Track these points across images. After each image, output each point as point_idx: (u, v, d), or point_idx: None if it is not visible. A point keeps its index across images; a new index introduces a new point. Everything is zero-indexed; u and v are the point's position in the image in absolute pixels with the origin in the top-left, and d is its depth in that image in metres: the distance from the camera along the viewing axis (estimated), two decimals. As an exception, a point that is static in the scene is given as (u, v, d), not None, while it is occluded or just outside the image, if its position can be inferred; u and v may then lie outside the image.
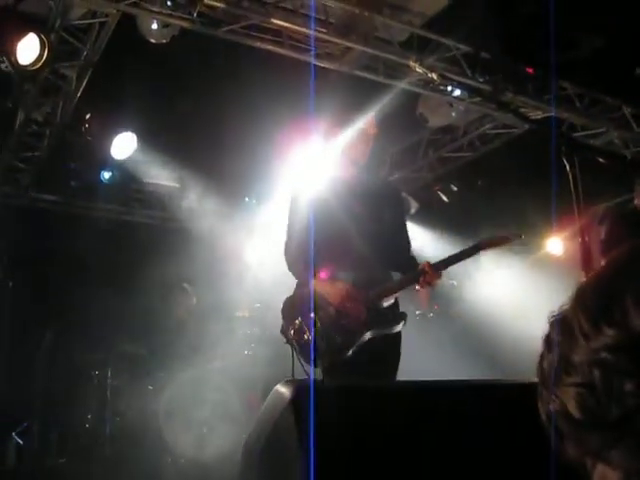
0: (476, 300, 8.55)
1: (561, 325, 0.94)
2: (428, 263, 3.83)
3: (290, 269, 4.12)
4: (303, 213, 4.07)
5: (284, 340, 3.95)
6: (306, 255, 3.99)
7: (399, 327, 3.95)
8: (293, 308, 3.99)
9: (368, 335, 3.80)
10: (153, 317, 7.78)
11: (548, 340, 0.97)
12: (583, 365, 0.88)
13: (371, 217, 4.03)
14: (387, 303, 3.93)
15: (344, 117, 4.06)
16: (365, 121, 4.01)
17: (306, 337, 3.80)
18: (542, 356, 0.97)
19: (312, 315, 3.83)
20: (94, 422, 7.04)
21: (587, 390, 0.87)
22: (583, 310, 0.91)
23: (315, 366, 3.77)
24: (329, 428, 1.36)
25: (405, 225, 4.40)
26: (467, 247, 3.94)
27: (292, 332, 3.86)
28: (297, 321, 3.86)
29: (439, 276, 3.82)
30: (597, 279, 0.95)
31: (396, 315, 3.99)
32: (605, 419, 0.85)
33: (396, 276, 4.07)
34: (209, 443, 6.49)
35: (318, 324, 3.79)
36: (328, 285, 3.89)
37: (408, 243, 4.28)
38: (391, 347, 3.97)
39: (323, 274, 3.92)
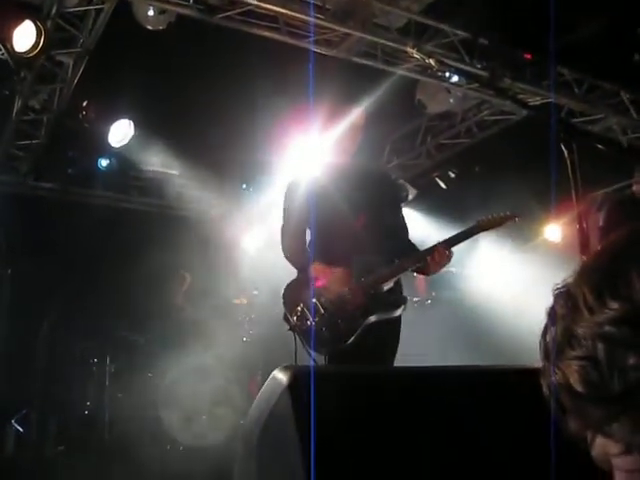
0: (474, 287, 8.56)
1: (565, 298, 0.94)
2: (440, 242, 3.87)
3: (287, 256, 4.13)
4: (300, 200, 4.08)
5: (287, 327, 3.96)
6: (304, 242, 4.02)
7: (399, 311, 3.96)
8: (294, 294, 3.99)
9: (370, 320, 3.81)
10: (151, 304, 7.79)
11: (552, 313, 0.96)
12: (587, 338, 0.88)
13: (368, 203, 4.03)
14: (387, 287, 3.92)
15: (339, 105, 4.09)
16: (353, 113, 4.04)
17: (308, 323, 3.81)
18: (545, 329, 0.97)
19: (313, 301, 3.84)
20: (93, 409, 7.08)
21: (590, 364, 0.87)
22: (588, 283, 0.91)
23: (318, 352, 3.80)
24: (327, 414, 1.36)
25: (401, 211, 4.42)
26: (465, 228, 3.98)
27: (294, 319, 3.87)
28: (299, 307, 3.86)
29: (450, 254, 3.85)
30: (602, 253, 0.95)
31: (396, 299, 3.99)
32: (607, 393, 0.85)
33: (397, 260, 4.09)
34: (208, 430, 6.51)
35: (321, 310, 3.81)
36: (327, 271, 3.89)
37: (405, 228, 4.29)
38: (391, 331, 3.98)
39: (322, 260, 3.92)
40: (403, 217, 4.35)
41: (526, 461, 1.59)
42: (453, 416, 1.60)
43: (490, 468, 1.61)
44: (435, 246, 3.84)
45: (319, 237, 3.94)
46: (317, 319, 3.80)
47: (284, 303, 4.03)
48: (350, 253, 3.92)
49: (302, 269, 4.01)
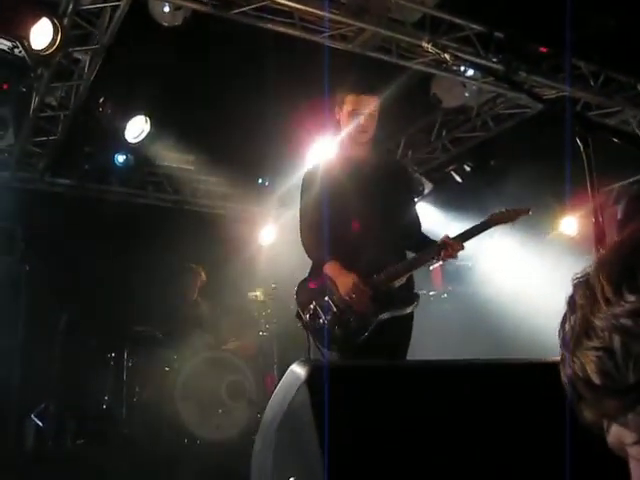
0: (490, 281, 8.55)
1: (584, 288, 0.95)
2: (447, 236, 3.87)
3: (305, 248, 4.10)
4: (316, 192, 4.06)
5: (299, 324, 3.97)
6: (319, 237, 3.97)
7: (410, 308, 3.94)
8: (307, 292, 3.98)
9: (381, 317, 3.79)
10: (168, 299, 7.84)
11: (571, 302, 0.98)
12: (604, 330, 0.89)
13: (382, 196, 4.01)
14: (399, 283, 3.89)
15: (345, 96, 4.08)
16: (357, 102, 4.00)
17: (321, 321, 3.80)
18: (564, 318, 0.98)
19: (326, 299, 3.83)
20: (111, 404, 7.13)
21: (606, 354, 0.88)
22: (606, 275, 0.92)
23: (330, 350, 3.78)
24: (344, 408, 1.38)
25: (414, 203, 4.44)
26: (479, 222, 3.98)
27: (307, 316, 3.86)
28: (311, 305, 3.86)
29: (462, 247, 3.84)
30: (621, 246, 0.96)
31: (408, 296, 3.96)
32: (623, 383, 0.87)
33: (410, 255, 4.08)
34: (225, 424, 6.54)
35: (333, 308, 3.80)
36: (341, 270, 3.84)
37: (418, 222, 4.27)
38: (402, 329, 3.96)
39: (336, 256, 3.88)
40: (416, 211, 4.35)
41: (544, 453, 1.60)
42: (470, 409, 1.60)
43: (507, 461, 1.62)
44: (447, 241, 3.83)
45: (333, 232, 3.88)
46: (329, 317, 3.79)
47: (297, 300, 4.03)
48: (363, 248, 3.91)
49: (317, 263, 3.98)
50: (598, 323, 0.90)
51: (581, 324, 0.93)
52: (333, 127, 4.25)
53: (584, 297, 0.94)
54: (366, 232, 3.93)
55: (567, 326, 0.97)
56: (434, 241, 3.99)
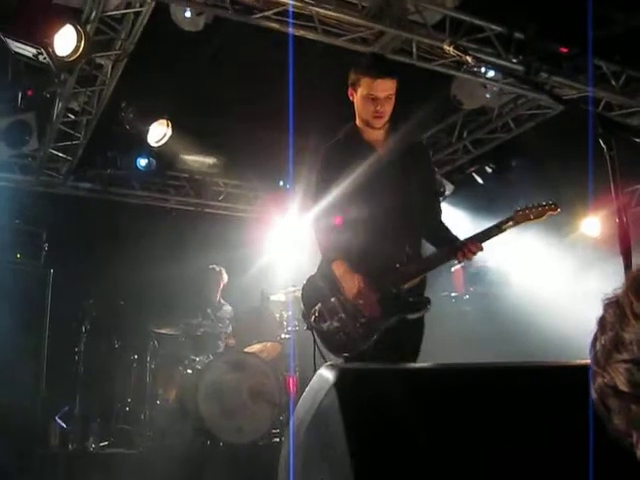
0: (512, 282, 8.52)
1: (614, 307, 0.98)
2: (471, 237, 3.71)
3: (317, 240, 3.85)
4: (332, 181, 3.77)
5: (304, 326, 3.84)
6: (332, 229, 3.76)
7: (420, 314, 3.75)
8: (313, 291, 3.83)
9: (389, 323, 3.62)
10: (189, 301, 7.88)
11: (602, 322, 1.00)
12: (632, 343, 0.91)
13: (400, 184, 3.80)
14: (411, 285, 3.71)
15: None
16: (374, 87, 3.71)
17: (327, 325, 3.67)
18: (595, 337, 1.01)
19: (333, 300, 3.69)
20: (134, 406, 7.17)
21: (636, 366, 0.90)
22: (635, 292, 0.94)
23: (335, 356, 3.67)
24: (372, 411, 1.39)
25: (433, 188, 4.21)
26: (502, 219, 3.77)
27: (312, 319, 3.73)
28: (317, 307, 3.73)
29: (480, 248, 3.67)
30: None
31: (418, 301, 3.76)
32: None
33: (426, 251, 3.93)
34: (247, 426, 6.56)
35: (340, 313, 3.65)
36: (343, 275, 3.65)
37: (438, 207, 4.10)
38: (411, 334, 3.78)
39: (350, 248, 3.70)
40: (436, 197, 4.19)
41: (568, 456, 1.60)
42: (496, 412, 1.61)
43: (532, 464, 1.62)
44: (465, 243, 3.68)
45: (350, 224, 3.72)
46: (335, 322, 3.65)
47: (303, 300, 3.89)
48: (379, 241, 3.70)
49: (326, 258, 3.78)
50: (627, 337, 0.92)
51: (611, 340, 0.95)
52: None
53: (614, 315, 0.96)
54: (382, 222, 3.71)
55: (598, 345, 0.99)
56: (453, 237, 3.84)
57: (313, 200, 3.84)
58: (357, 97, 3.80)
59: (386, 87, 3.73)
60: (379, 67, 3.80)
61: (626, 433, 0.96)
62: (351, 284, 3.59)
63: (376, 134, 3.88)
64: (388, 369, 1.79)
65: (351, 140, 3.91)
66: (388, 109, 3.78)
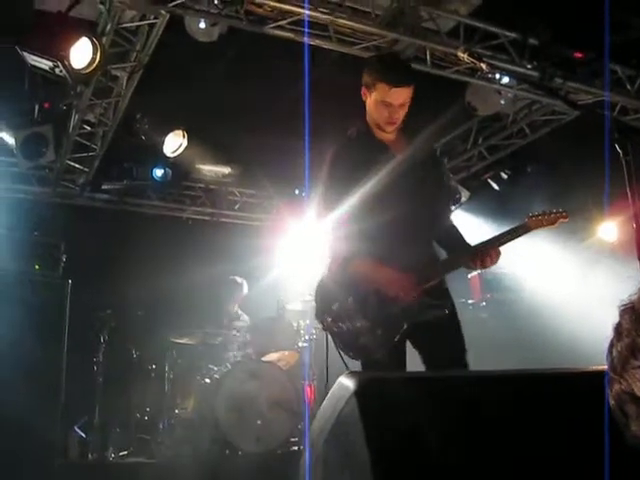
0: (530, 288, 8.48)
1: (630, 313, 0.98)
2: (486, 243, 3.65)
3: (329, 241, 3.71)
4: (342, 180, 3.61)
5: (320, 326, 3.72)
6: (346, 225, 3.59)
7: (439, 314, 3.61)
8: (330, 290, 3.67)
9: (408, 325, 3.52)
10: (207, 311, 7.91)
11: (618, 329, 1.00)
12: None
13: (418, 188, 3.67)
14: (427, 287, 3.58)
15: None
16: (389, 94, 3.59)
17: (345, 327, 3.55)
18: (612, 344, 1.01)
19: (350, 301, 3.56)
20: (153, 415, 7.20)
21: None
22: None
23: (352, 359, 3.56)
24: (393, 419, 1.39)
25: (445, 191, 4.07)
26: (515, 226, 3.71)
27: (329, 319, 3.61)
28: (334, 307, 3.60)
29: (499, 254, 3.60)
30: None
31: (439, 304, 3.64)
32: None
33: (440, 254, 3.85)
34: (266, 435, 6.56)
35: (360, 316, 3.52)
36: (371, 268, 3.55)
37: (449, 210, 4.07)
38: (441, 338, 3.62)
39: (365, 252, 3.57)
40: (446, 198, 4.10)
41: (584, 462, 1.60)
42: (516, 419, 1.61)
43: (550, 469, 1.62)
44: (486, 248, 3.61)
45: (363, 225, 3.57)
46: (357, 325, 3.52)
47: (316, 298, 3.76)
48: (394, 244, 3.57)
49: (344, 258, 3.63)
50: None
51: (628, 346, 0.95)
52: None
53: (630, 321, 0.96)
54: (400, 227, 3.56)
55: (614, 351, 0.99)
56: (466, 242, 3.80)
57: (323, 201, 3.71)
58: (370, 100, 3.70)
59: (402, 95, 3.62)
60: (397, 74, 3.66)
61: None
62: (387, 274, 3.51)
63: (388, 135, 3.77)
64: (408, 377, 1.79)
65: (364, 138, 3.80)
66: (401, 116, 3.69)
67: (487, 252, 3.61)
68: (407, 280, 3.51)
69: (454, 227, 3.97)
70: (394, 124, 3.69)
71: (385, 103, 3.62)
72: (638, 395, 0.92)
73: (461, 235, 3.92)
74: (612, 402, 1.00)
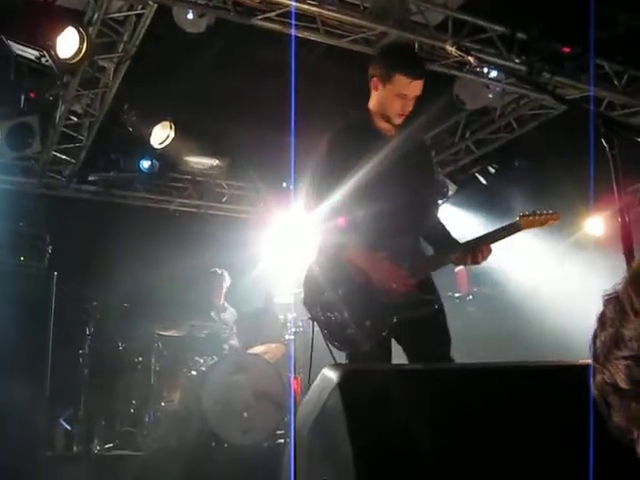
0: (516, 282, 8.52)
1: (614, 303, 0.98)
2: (477, 240, 3.66)
3: (320, 231, 3.67)
4: (338, 170, 3.57)
5: (307, 315, 3.66)
6: (336, 215, 3.54)
7: (428, 310, 3.60)
8: (319, 279, 3.61)
9: (397, 320, 3.49)
10: (193, 303, 7.89)
11: (602, 318, 1.00)
12: (632, 339, 0.91)
13: (411, 179, 3.67)
14: (417, 281, 3.56)
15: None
16: (408, 87, 3.57)
17: (333, 317, 3.50)
18: (595, 334, 1.01)
19: (340, 293, 3.52)
20: (139, 407, 7.19)
21: (635, 363, 0.90)
22: (635, 290, 0.95)
23: (339, 350, 3.52)
24: (376, 411, 1.39)
25: (434, 184, 4.09)
26: (505, 225, 3.72)
27: (318, 308, 3.56)
28: (323, 296, 3.55)
29: (490, 250, 3.63)
30: None
31: (428, 297, 3.64)
32: None
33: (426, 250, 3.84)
34: (252, 427, 6.56)
35: (349, 306, 3.48)
36: (366, 258, 3.50)
37: (437, 203, 4.11)
38: (428, 335, 3.60)
39: (357, 240, 3.53)
40: (435, 192, 4.14)
41: (568, 455, 1.60)
42: (500, 412, 1.61)
43: (535, 462, 1.62)
44: (477, 244, 3.63)
45: (355, 214, 3.54)
46: (345, 316, 3.47)
47: (305, 286, 3.69)
48: (387, 236, 3.57)
49: (335, 247, 3.59)
50: (627, 333, 0.92)
51: (611, 337, 0.95)
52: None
53: (614, 311, 0.96)
54: (393, 218, 3.56)
55: (598, 341, 0.99)
56: (453, 239, 3.81)
57: (315, 190, 3.65)
58: (384, 91, 3.64)
59: (418, 88, 3.62)
60: (417, 67, 3.67)
61: (627, 430, 0.96)
62: (381, 265, 3.48)
63: (387, 125, 3.74)
64: (392, 369, 1.79)
65: (363, 125, 3.77)
66: (411, 108, 3.68)
67: (478, 248, 3.63)
68: (401, 272, 3.50)
69: (441, 223, 3.96)
70: (404, 116, 3.67)
71: (401, 95, 3.60)
72: (621, 386, 0.92)
73: (448, 232, 3.92)
74: (595, 392, 1.00)
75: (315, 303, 3.61)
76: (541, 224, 3.76)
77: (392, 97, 3.62)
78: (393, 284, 3.47)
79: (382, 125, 3.74)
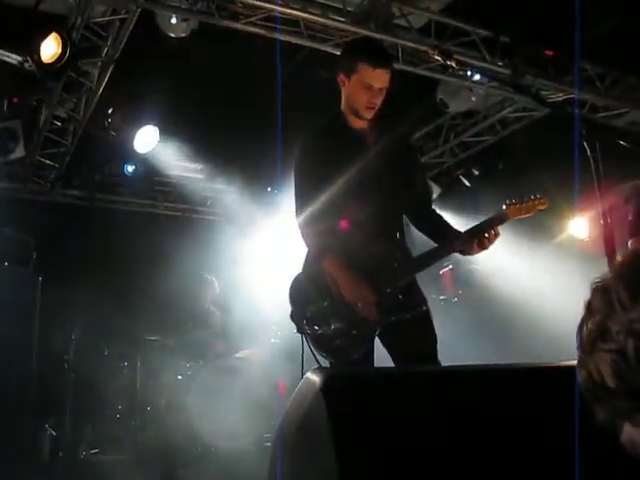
0: (500, 284, 8.54)
1: (601, 292, 0.98)
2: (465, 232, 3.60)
3: (303, 239, 3.60)
4: (314, 171, 3.56)
5: (294, 329, 3.59)
6: (318, 220, 3.51)
7: (415, 312, 3.54)
8: (304, 291, 3.57)
9: (385, 324, 3.46)
10: (179, 308, 7.87)
11: (589, 307, 1.01)
12: (619, 333, 0.92)
13: (387, 175, 3.60)
14: (405, 283, 3.53)
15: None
16: (373, 76, 3.51)
17: (320, 330, 3.46)
18: (582, 321, 1.01)
19: (325, 304, 3.49)
20: (125, 412, 7.16)
21: (620, 357, 0.91)
22: (623, 281, 0.95)
23: (328, 361, 3.48)
24: (359, 416, 1.40)
25: (421, 178, 3.95)
26: (492, 215, 3.63)
27: (304, 322, 3.50)
28: (309, 310, 3.51)
29: (497, 233, 3.55)
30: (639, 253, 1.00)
31: (414, 301, 3.58)
32: (635, 385, 0.90)
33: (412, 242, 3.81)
34: (239, 432, 6.56)
35: (335, 318, 3.45)
36: (339, 273, 3.44)
37: (428, 198, 4.01)
38: (414, 336, 3.55)
39: (340, 245, 3.47)
40: (426, 186, 4.03)
41: (554, 457, 1.61)
42: (486, 415, 1.62)
43: (520, 466, 1.63)
44: (480, 231, 3.56)
45: (335, 217, 3.51)
46: (332, 327, 3.44)
47: (291, 299, 3.62)
48: (369, 236, 3.53)
49: (315, 255, 3.55)
50: (613, 327, 0.93)
51: (597, 327, 0.96)
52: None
53: (601, 301, 0.97)
54: (376, 222, 3.54)
55: (584, 329, 1.00)
56: (452, 228, 3.76)
57: (299, 195, 3.61)
58: (350, 84, 3.60)
59: (383, 78, 3.55)
60: (380, 56, 3.63)
61: (611, 422, 0.97)
62: (349, 284, 3.41)
63: (360, 123, 3.68)
64: (375, 372, 1.80)
65: (337, 126, 3.71)
66: (380, 101, 3.60)
67: (484, 233, 3.55)
68: (365, 293, 3.41)
69: (439, 216, 3.94)
70: (373, 109, 3.61)
71: (366, 85, 3.54)
72: (605, 379, 0.93)
73: (447, 223, 3.88)
74: (581, 383, 1.01)
75: (301, 317, 3.55)
76: (528, 211, 3.65)
77: (358, 89, 3.57)
78: (358, 303, 3.40)
79: (356, 123, 3.69)
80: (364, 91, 3.55)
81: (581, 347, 1.01)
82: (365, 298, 3.39)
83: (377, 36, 6.00)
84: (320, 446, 1.43)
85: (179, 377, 7.07)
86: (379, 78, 3.54)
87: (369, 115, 3.63)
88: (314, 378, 1.49)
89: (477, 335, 7.89)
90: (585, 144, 2.56)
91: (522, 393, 1.76)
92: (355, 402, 1.41)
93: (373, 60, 3.54)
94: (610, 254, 2.48)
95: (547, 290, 7.60)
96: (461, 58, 5.92)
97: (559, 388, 1.51)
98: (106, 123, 7.22)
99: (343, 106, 3.72)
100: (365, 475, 1.44)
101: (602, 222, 2.57)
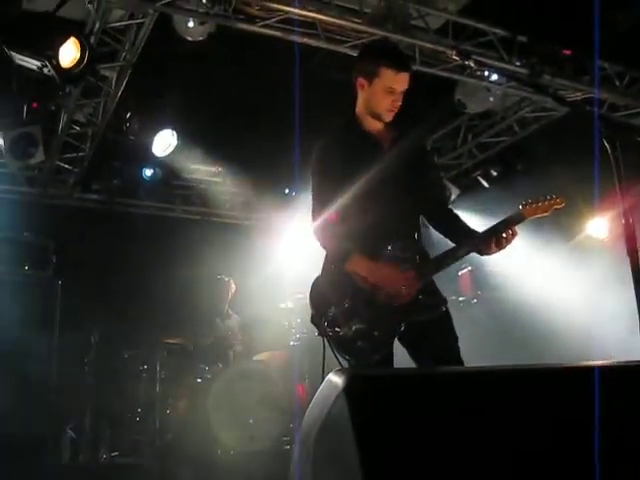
0: (520, 285, 8.49)
1: None
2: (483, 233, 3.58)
3: (322, 243, 3.59)
4: (331, 175, 3.54)
5: (316, 332, 3.55)
6: (336, 224, 3.50)
7: (436, 314, 3.55)
8: (324, 293, 3.54)
9: (405, 325, 3.44)
10: (197, 311, 7.89)
11: None
12: None
13: (405, 178, 3.57)
14: (424, 283, 3.50)
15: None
16: (396, 80, 3.51)
17: (342, 331, 3.42)
18: None
19: (346, 305, 3.45)
20: (144, 416, 7.17)
21: None
22: None
23: (350, 363, 3.43)
24: (383, 417, 1.39)
25: (437, 179, 3.99)
26: (509, 215, 3.59)
27: (325, 324, 3.46)
28: (330, 312, 3.46)
29: (515, 233, 3.53)
30: None
31: (433, 301, 3.57)
32: None
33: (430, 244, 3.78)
34: (258, 434, 6.56)
35: (357, 319, 3.41)
36: (369, 266, 3.42)
37: (444, 198, 4.00)
38: (434, 338, 3.52)
39: (358, 248, 3.45)
40: (442, 187, 4.02)
41: (574, 456, 1.60)
42: (507, 416, 1.60)
43: (541, 465, 1.62)
44: (500, 229, 3.53)
45: (354, 218, 3.49)
46: (353, 329, 3.40)
47: (311, 303, 3.58)
48: (386, 239, 3.51)
49: (337, 257, 3.52)
50: None
51: None
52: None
53: None
54: (387, 222, 3.50)
55: None
56: (470, 228, 3.73)
57: (317, 199, 3.58)
58: (371, 87, 3.57)
59: (405, 81, 3.54)
60: (402, 60, 3.61)
61: None
62: (385, 272, 3.40)
63: (376, 125, 3.67)
64: (397, 373, 1.79)
65: (353, 128, 3.70)
66: (400, 103, 3.59)
67: (502, 232, 3.54)
68: (406, 274, 3.42)
69: (456, 216, 3.91)
70: (394, 112, 3.60)
71: (389, 89, 3.53)
72: None
73: (465, 223, 3.84)
74: None
75: (322, 321, 3.51)
76: (545, 211, 3.62)
77: (380, 92, 3.55)
78: (402, 287, 3.40)
79: (372, 126, 3.68)
80: (387, 95, 3.55)
81: None
82: (406, 278, 3.40)
83: (394, 37, 5.99)
84: (343, 447, 1.42)
85: (198, 380, 7.07)
86: (401, 81, 3.53)
87: (390, 118, 3.63)
88: (336, 379, 1.49)
89: (496, 336, 7.86)
90: (605, 143, 2.53)
91: (543, 394, 1.74)
92: (378, 403, 1.40)
93: (396, 64, 3.53)
94: (631, 254, 2.46)
95: (567, 291, 7.55)
96: (479, 58, 5.91)
97: (580, 389, 1.50)
98: (124, 127, 7.27)
99: (359, 109, 3.70)
100: (388, 476, 1.43)
101: (623, 221, 2.54)
